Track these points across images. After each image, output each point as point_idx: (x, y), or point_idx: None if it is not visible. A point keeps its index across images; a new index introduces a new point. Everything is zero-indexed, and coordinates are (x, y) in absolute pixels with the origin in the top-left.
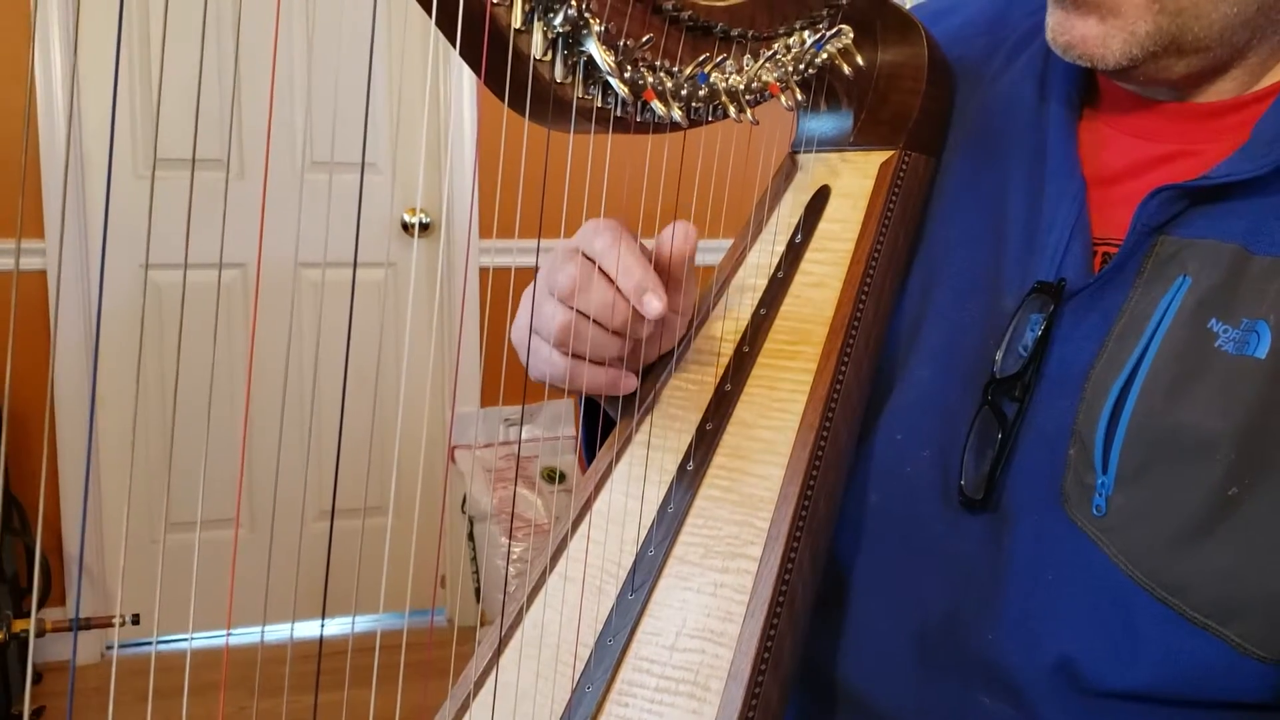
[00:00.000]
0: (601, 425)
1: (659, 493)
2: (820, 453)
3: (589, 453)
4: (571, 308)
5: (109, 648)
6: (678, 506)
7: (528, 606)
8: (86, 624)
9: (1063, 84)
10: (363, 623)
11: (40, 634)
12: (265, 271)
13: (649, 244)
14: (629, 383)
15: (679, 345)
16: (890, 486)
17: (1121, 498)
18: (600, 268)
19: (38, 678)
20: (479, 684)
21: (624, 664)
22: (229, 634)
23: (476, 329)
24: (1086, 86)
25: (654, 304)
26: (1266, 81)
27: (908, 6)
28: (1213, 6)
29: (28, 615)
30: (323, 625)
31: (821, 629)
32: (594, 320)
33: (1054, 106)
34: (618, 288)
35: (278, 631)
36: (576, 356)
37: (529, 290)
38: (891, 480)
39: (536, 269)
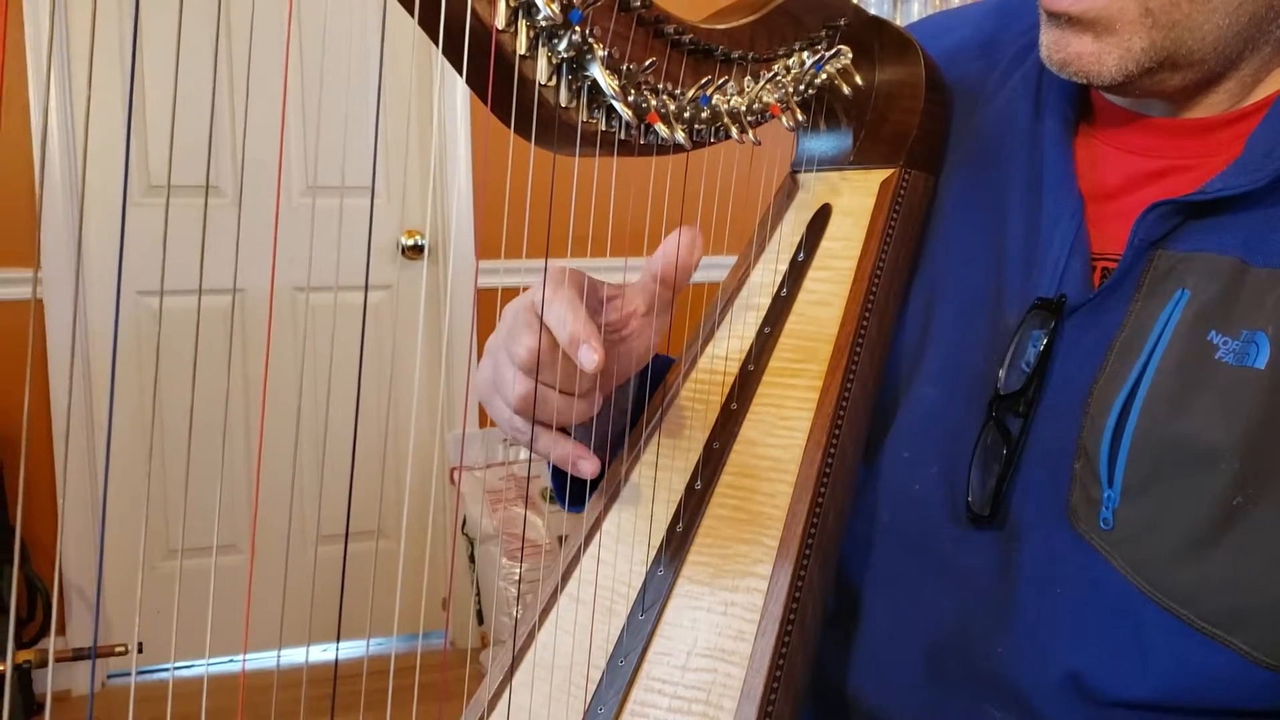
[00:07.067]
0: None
1: (667, 512)
2: (828, 469)
3: (560, 496)
4: (532, 378)
5: (110, 677)
6: (686, 526)
7: (539, 627)
8: (83, 654)
9: (1057, 101)
10: (362, 647)
11: (40, 665)
12: (257, 297)
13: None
14: (589, 466)
15: (684, 363)
16: (899, 504)
17: (1128, 511)
18: (541, 325)
19: (38, 708)
20: (491, 705)
21: (636, 684)
22: (245, 658)
23: (476, 350)
24: (1081, 103)
25: (589, 356)
26: (1258, 94)
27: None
28: (1205, 19)
29: (25, 646)
30: (337, 649)
31: (833, 645)
32: (557, 389)
33: (1049, 123)
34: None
35: (284, 658)
36: (539, 423)
37: (491, 341)
38: (900, 498)
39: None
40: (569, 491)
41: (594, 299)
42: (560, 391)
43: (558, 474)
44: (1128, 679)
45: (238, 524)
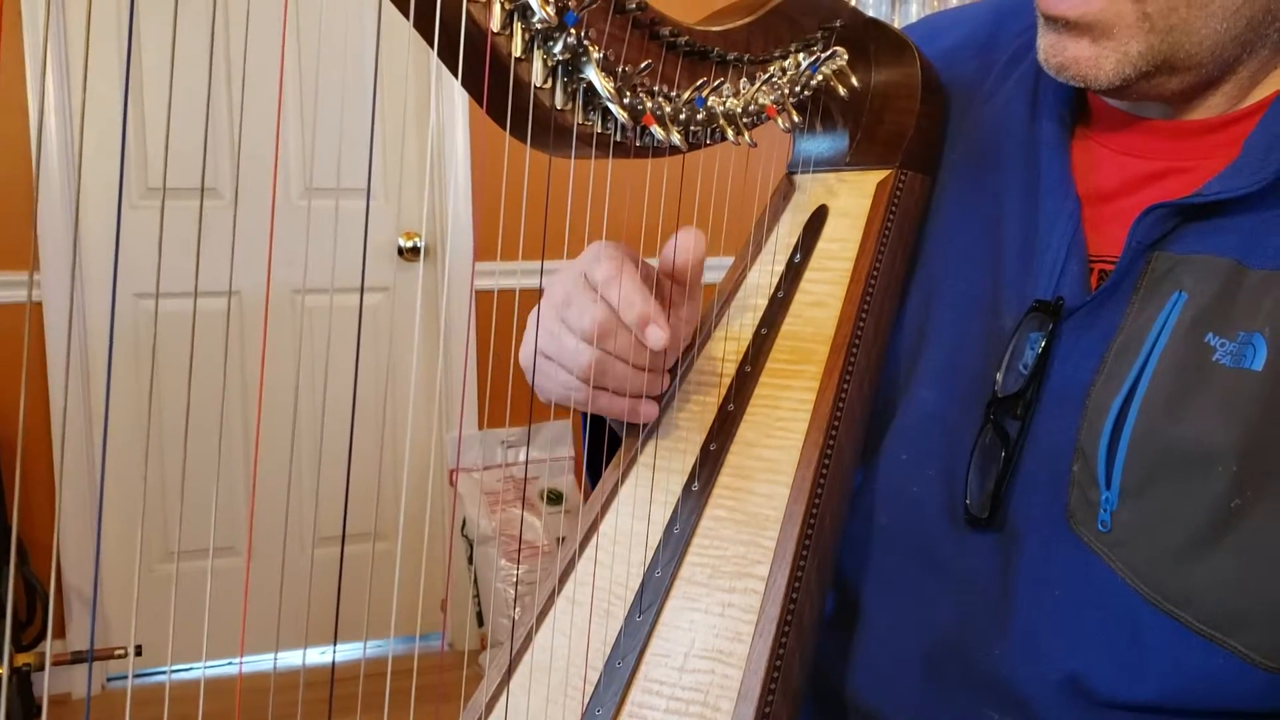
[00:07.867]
0: (596, 436)
1: (665, 514)
2: (825, 471)
3: (591, 469)
4: (597, 347)
5: (109, 680)
6: (683, 527)
7: (536, 629)
8: (82, 657)
9: (1054, 103)
10: (360, 650)
11: (39, 668)
12: (255, 299)
13: (653, 262)
14: (649, 409)
15: (681, 364)
16: (897, 506)
17: (1126, 513)
18: (605, 299)
19: (37, 711)
20: (489, 707)
21: (633, 686)
22: (242, 661)
23: (474, 351)
24: (1078, 105)
25: (657, 335)
26: (1256, 96)
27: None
28: (1203, 23)
29: (24, 649)
30: (334, 651)
31: (831, 647)
32: (621, 359)
33: (1046, 125)
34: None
35: (281, 660)
36: (600, 388)
37: (534, 314)
38: (898, 500)
39: (541, 290)
40: (588, 466)
41: (646, 277)
42: (624, 362)
43: (590, 438)
44: (1126, 681)
45: (235, 526)
